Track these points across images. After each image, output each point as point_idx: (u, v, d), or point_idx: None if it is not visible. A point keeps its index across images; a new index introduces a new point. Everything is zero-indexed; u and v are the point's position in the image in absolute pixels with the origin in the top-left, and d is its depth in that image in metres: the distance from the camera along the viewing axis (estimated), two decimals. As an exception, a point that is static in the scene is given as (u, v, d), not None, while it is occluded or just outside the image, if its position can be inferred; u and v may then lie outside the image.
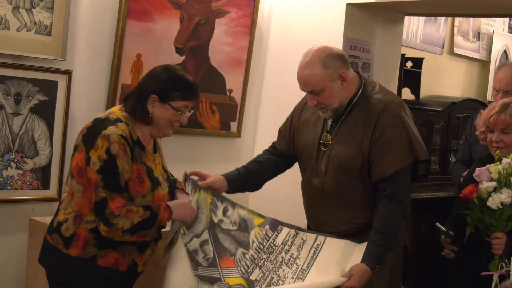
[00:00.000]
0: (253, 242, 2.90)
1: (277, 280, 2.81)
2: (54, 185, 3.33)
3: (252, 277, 2.81)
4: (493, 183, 2.70)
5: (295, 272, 2.82)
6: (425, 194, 4.77)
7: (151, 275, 3.19)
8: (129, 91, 2.67)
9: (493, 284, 2.66)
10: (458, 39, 6.16)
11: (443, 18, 5.85)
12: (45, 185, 3.30)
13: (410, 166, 2.80)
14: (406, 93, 5.19)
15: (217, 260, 2.79)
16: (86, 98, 3.45)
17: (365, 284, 2.71)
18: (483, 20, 6.42)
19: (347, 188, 2.83)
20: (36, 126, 3.26)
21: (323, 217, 2.94)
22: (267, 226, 2.94)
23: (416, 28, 5.60)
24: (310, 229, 3.04)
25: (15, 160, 3.20)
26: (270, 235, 2.93)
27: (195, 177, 2.92)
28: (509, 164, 2.69)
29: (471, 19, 6.24)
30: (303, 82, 2.80)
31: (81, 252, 2.42)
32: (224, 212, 2.93)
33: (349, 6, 3.85)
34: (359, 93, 2.84)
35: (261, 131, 4.02)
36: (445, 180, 5.02)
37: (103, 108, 3.42)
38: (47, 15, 3.19)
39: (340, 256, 2.81)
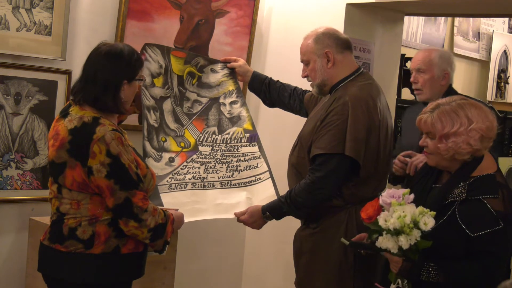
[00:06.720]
0: (228, 133, 3.20)
1: (211, 167, 3.08)
2: (54, 185, 3.32)
3: (201, 148, 3.12)
4: (388, 224, 2.34)
5: (224, 177, 3.10)
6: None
7: (151, 275, 3.19)
8: (79, 87, 2.45)
9: None
10: (458, 39, 6.16)
11: (443, 18, 5.85)
12: (45, 185, 3.27)
13: (341, 158, 2.79)
14: (406, 93, 5.19)
15: (193, 117, 3.18)
16: (86, 98, 3.44)
17: (253, 223, 2.97)
18: (483, 20, 6.42)
19: (302, 163, 2.95)
20: (36, 126, 3.26)
21: (290, 187, 3.05)
22: (247, 135, 3.22)
23: (416, 28, 5.60)
24: None
25: (15, 160, 3.20)
26: (242, 141, 3.21)
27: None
28: (398, 217, 2.30)
29: (470, 19, 6.25)
30: (300, 51, 3.02)
31: (104, 247, 2.39)
32: (232, 103, 3.29)
33: (349, 6, 3.85)
34: (346, 81, 2.93)
35: (261, 131, 4.02)
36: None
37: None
38: (47, 15, 3.19)
39: (259, 200, 3.03)
